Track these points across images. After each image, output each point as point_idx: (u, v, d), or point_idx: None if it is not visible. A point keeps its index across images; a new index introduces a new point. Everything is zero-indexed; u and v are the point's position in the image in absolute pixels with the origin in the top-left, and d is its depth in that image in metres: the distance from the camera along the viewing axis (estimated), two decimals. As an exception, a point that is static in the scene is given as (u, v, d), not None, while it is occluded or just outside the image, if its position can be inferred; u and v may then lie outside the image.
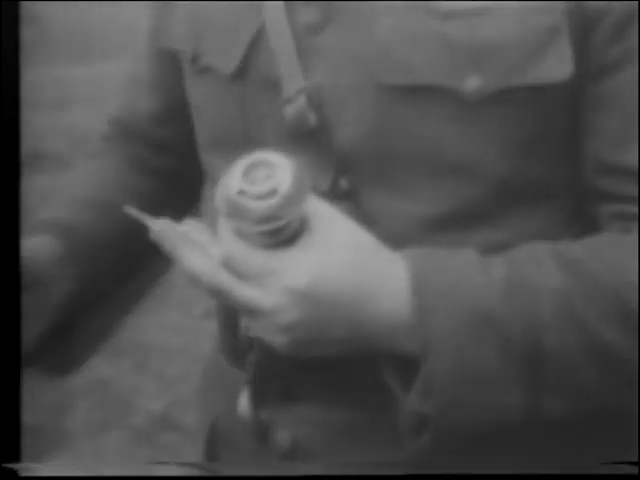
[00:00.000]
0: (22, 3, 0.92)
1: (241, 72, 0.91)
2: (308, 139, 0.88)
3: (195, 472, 0.98)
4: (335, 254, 0.81)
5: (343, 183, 0.88)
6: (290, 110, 0.87)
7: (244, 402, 0.95)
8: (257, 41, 0.90)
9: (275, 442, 0.94)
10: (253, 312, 0.82)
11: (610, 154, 0.85)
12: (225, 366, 1.00)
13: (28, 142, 0.95)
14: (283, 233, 0.80)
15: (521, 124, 0.85)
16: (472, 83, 0.83)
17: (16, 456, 0.88)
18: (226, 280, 0.81)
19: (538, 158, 0.87)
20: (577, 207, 0.89)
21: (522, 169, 0.87)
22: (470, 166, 0.85)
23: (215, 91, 0.93)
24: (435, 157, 0.85)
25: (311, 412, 0.93)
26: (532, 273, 0.82)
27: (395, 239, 0.85)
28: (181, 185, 1.11)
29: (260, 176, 0.79)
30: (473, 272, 0.82)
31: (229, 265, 0.81)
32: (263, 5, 0.89)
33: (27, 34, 0.97)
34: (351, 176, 0.88)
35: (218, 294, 0.82)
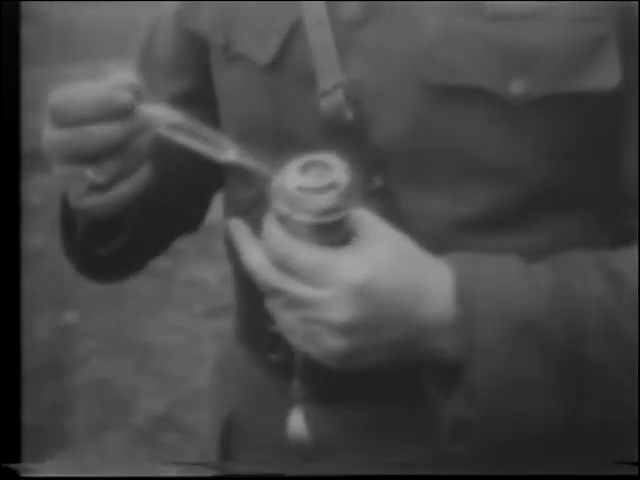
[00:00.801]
0: (22, 3, 0.92)
1: (277, 63, 0.90)
2: (343, 134, 0.87)
3: (195, 472, 0.98)
4: (387, 256, 0.81)
5: (377, 180, 0.87)
6: (326, 104, 0.87)
7: (298, 423, 0.92)
8: (295, 32, 0.89)
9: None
10: (309, 311, 0.81)
11: None
12: (242, 358, 1.00)
13: (28, 142, 0.95)
14: (339, 230, 0.81)
15: (563, 130, 0.85)
16: (517, 87, 0.83)
17: (16, 456, 0.88)
18: (280, 277, 0.81)
19: (577, 165, 0.87)
20: (612, 216, 0.89)
21: (560, 175, 0.86)
22: (508, 169, 0.85)
23: (247, 80, 0.93)
24: (473, 159, 0.85)
25: (337, 410, 0.92)
26: (577, 283, 0.82)
27: (429, 239, 0.84)
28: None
29: (316, 173, 0.81)
30: (518, 279, 0.82)
31: (282, 266, 0.81)
32: None
33: (27, 34, 0.97)
34: (386, 174, 0.87)
35: (273, 291, 0.82)
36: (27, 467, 0.88)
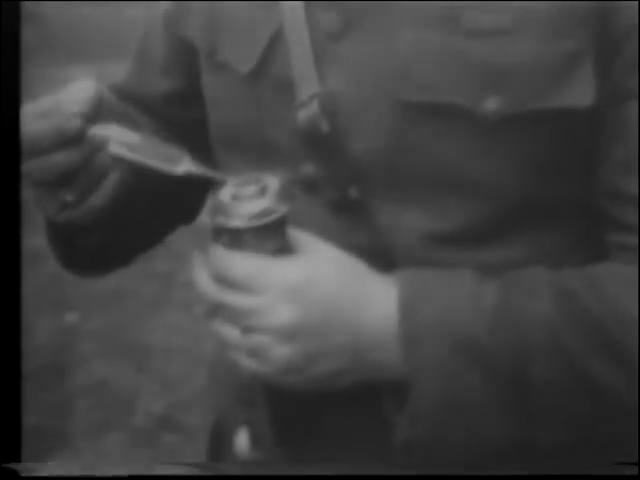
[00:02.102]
0: (22, 3, 0.92)
1: (258, 72, 0.90)
2: (320, 145, 0.87)
3: (195, 472, 0.98)
4: (324, 262, 0.83)
5: (353, 192, 0.88)
6: (302, 114, 0.87)
7: (242, 443, 0.93)
8: (275, 42, 0.89)
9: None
10: (248, 320, 0.82)
11: (620, 182, 0.85)
12: (231, 362, 1.00)
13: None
14: (274, 236, 0.83)
15: (538, 146, 0.85)
16: (491, 104, 0.83)
17: (16, 456, 0.88)
18: (221, 292, 0.83)
19: (553, 180, 0.87)
20: (589, 230, 0.89)
21: (536, 190, 0.86)
22: (484, 185, 0.85)
23: (230, 88, 0.93)
24: (449, 174, 0.85)
25: (307, 420, 0.92)
26: (524, 303, 0.82)
27: (403, 253, 0.86)
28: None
29: (250, 181, 0.84)
30: (463, 299, 0.82)
31: (222, 279, 0.83)
32: (282, 5, 0.88)
33: (27, 34, 0.97)
34: (361, 186, 0.87)
35: (216, 307, 0.84)
36: (27, 467, 0.88)
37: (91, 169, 0.86)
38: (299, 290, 0.81)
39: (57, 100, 0.86)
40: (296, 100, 0.87)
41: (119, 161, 0.86)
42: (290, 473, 0.92)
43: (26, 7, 0.93)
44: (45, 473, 0.91)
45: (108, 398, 2.83)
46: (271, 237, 0.83)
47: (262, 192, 0.83)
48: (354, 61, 0.86)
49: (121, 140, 0.85)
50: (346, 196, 0.87)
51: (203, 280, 0.85)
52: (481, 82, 0.83)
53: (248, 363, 0.84)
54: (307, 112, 0.87)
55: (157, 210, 1.04)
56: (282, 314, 0.81)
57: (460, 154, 0.84)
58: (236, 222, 0.83)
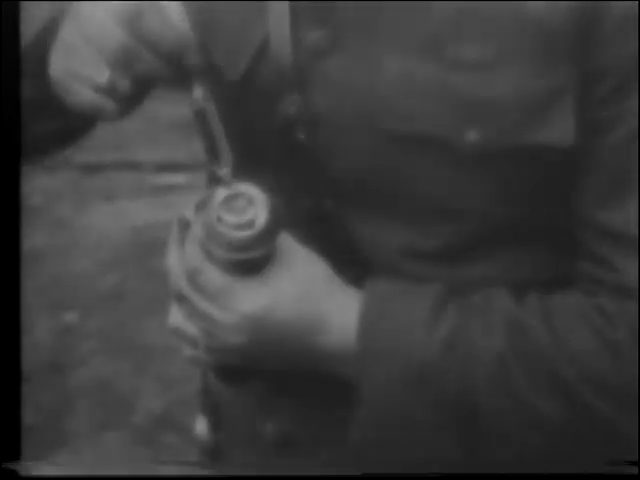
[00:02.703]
0: (22, 3, 0.92)
1: (245, 80, 0.90)
2: (296, 153, 0.88)
3: (195, 472, 0.98)
4: (290, 289, 0.85)
5: (328, 204, 0.89)
6: (279, 120, 0.87)
7: (202, 429, 0.98)
8: (263, 50, 0.89)
9: (265, 433, 0.95)
10: (209, 323, 0.86)
11: (595, 214, 0.86)
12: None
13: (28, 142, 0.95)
14: (249, 263, 0.84)
15: (518, 177, 0.85)
16: (472, 137, 0.83)
17: (16, 456, 0.88)
18: (188, 288, 0.86)
19: (531, 207, 0.88)
20: (566, 250, 0.89)
21: (515, 215, 0.87)
22: (460, 210, 0.86)
23: (221, 90, 0.93)
24: (428, 199, 0.86)
25: (295, 406, 0.94)
26: (476, 334, 0.84)
27: (381, 264, 0.88)
28: None
29: (239, 206, 0.84)
30: (419, 323, 0.84)
31: (191, 278, 0.85)
32: (269, 13, 0.88)
33: (27, 34, 0.97)
34: (338, 198, 0.88)
35: (179, 297, 0.87)
36: (27, 467, 0.88)
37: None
38: (255, 320, 0.85)
39: (82, 35, 0.83)
40: (276, 107, 0.88)
41: (198, 115, 0.84)
42: (290, 473, 0.92)
43: (26, 7, 0.93)
44: (45, 472, 0.91)
45: (108, 398, 2.82)
46: (246, 266, 0.84)
47: (248, 224, 0.83)
48: (337, 81, 0.86)
49: (204, 104, 0.84)
50: (321, 207, 0.89)
51: (176, 267, 0.87)
52: (463, 114, 0.83)
53: (197, 354, 0.89)
54: (284, 117, 0.87)
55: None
56: (237, 336, 0.85)
57: (441, 181, 0.85)
58: (215, 248, 0.84)
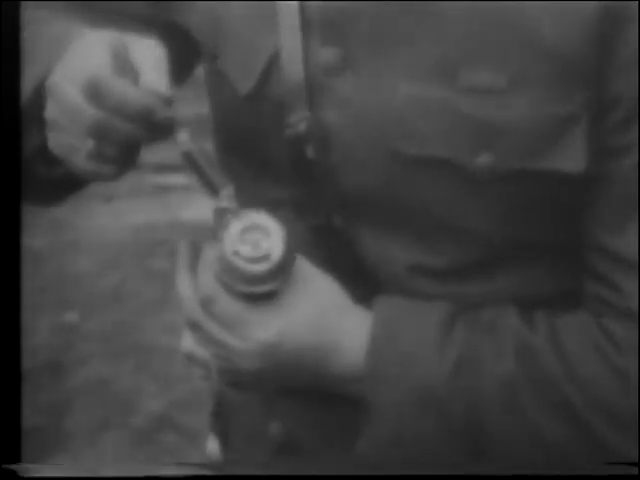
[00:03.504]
0: (22, 3, 0.92)
1: (255, 94, 0.90)
2: (305, 169, 0.88)
3: (195, 472, 0.98)
4: (303, 316, 0.86)
5: (336, 220, 0.89)
6: (289, 135, 0.87)
7: (213, 449, 0.99)
8: (273, 64, 0.89)
9: (269, 434, 0.95)
10: (223, 349, 0.86)
11: (603, 237, 0.86)
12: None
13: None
14: (264, 295, 0.85)
15: (528, 199, 0.86)
16: (483, 161, 0.83)
17: (16, 456, 0.88)
18: (202, 315, 0.86)
19: (539, 228, 0.88)
20: (569, 272, 0.90)
21: (522, 236, 0.88)
22: (472, 229, 0.86)
23: (230, 101, 0.93)
24: (438, 218, 0.86)
25: (300, 408, 0.94)
26: (486, 358, 0.84)
27: (388, 281, 0.88)
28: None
29: (254, 239, 0.84)
30: (428, 346, 0.85)
31: (205, 306, 0.86)
32: (280, 27, 0.88)
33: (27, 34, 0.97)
34: (346, 216, 0.89)
35: (193, 324, 0.87)
36: (27, 467, 0.88)
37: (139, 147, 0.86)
38: (269, 347, 0.85)
39: (132, 61, 0.84)
40: (286, 121, 0.87)
41: (185, 157, 0.84)
42: (290, 473, 0.92)
43: (26, 7, 0.93)
44: (45, 473, 0.91)
45: (108, 398, 2.82)
46: (262, 298, 0.85)
47: (264, 258, 0.83)
48: (349, 100, 0.86)
49: (187, 147, 0.84)
50: (330, 223, 0.89)
51: (189, 295, 0.87)
52: (474, 139, 0.83)
53: (211, 377, 0.91)
54: (294, 132, 0.87)
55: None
56: (252, 363, 0.86)
57: (450, 201, 0.85)
58: (230, 281, 0.84)
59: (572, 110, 0.83)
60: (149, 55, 0.84)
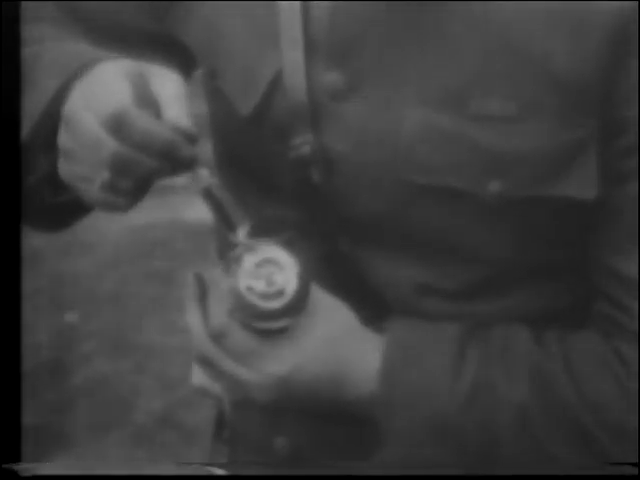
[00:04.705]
0: (22, 3, 0.92)
1: (256, 115, 0.89)
2: (310, 194, 0.87)
3: (195, 472, 0.98)
4: (316, 349, 0.85)
5: (343, 243, 0.88)
6: (292, 157, 0.86)
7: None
8: (275, 85, 0.87)
9: (274, 448, 0.95)
10: (236, 384, 0.86)
11: (610, 259, 0.86)
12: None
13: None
14: (278, 330, 0.84)
15: (538, 224, 0.86)
16: (494, 188, 0.83)
17: (16, 456, 0.88)
18: (213, 350, 0.85)
19: (548, 251, 0.88)
20: (578, 291, 0.90)
21: (531, 259, 0.88)
22: (482, 252, 0.87)
23: (230, 121, 0.92)
24: (447, 242, 0.86)
25: (307, 422, 0.93)
26: (499, 382, 0.84)
27: (397, 302, 0.88)
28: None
29: (268, 272, 0.83)
30: (441, 373, 0.84)
31: (217, 340, 0.85)
32: (282, 48, 0.86)
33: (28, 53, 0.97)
34: (353, 238, 0.88)
35: (203, 359, 0.86)
36: (27, 467, 0.88)
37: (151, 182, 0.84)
38: (283, 380, 0.84)
39: (153, 92, 0.81)
40: (289, 143, 0.87)
41: (205, 193, 0.83)
42: (291, 473, 0.92)
43: (26, 7, 0.93)
44: (45, 473, 0.91)
45: (108, 397, 2.82)
46: (274, 333, 0.84)
47: (278, 294, 0.82)
48: (354, 125, 0.85)
49: (206, 184, 0.82)
50: (336, 245, 0.88)
51: (199, 330, 0.86)
52: (485, 166, 0.83)
53: (227, 409, 0.92)
54: (297, 156, 0.86)
55: None
56: (265, 395, 0.85)
57: (459, 226, 0.85)
58: (244, 318, 0.83)
59: (582, 136, 0.83)
60: (169, 87, 0.81)
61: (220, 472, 0.99)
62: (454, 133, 0.83)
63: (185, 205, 3.62)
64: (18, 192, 0.89)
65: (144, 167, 0.80)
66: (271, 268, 0.83)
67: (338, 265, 0.88)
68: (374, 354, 0.86)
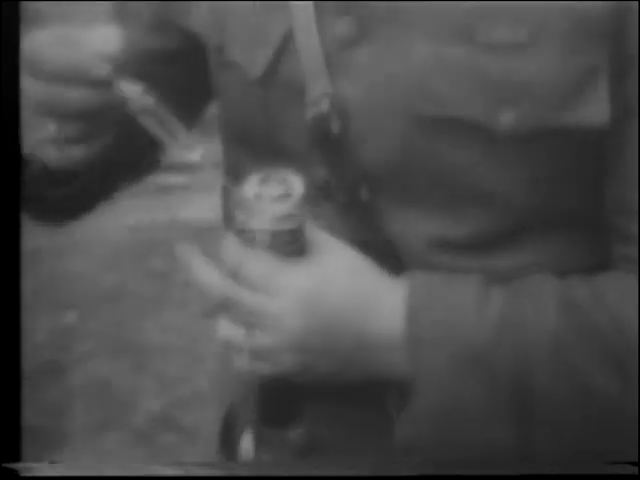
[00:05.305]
0: (22, 3, 0.92)
1: (268, 76, 0.89)
2: (330, 146, 0.87)
3: (195, 472, 0.98)
4: (337, 267, 0.84)
5: (363, 194, 0.88)
6: (312, 113, 0.87)
7: (248, 444, 0.96)
8: (285, 44, 0.88)
9: (290, 438, 0.94)
10: (260, 320, 0.83)
11: (627, 195, 0.86)
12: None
13: (29, 142, 0.95)
14: (293, 240, 0.84)
15: (550, 161, 0.85)
16: (506, 120, 0.83)
17: (16, 456, 0.88)
18: (233, 288, 0.84)
19: (563, 193, 0.87)
20: (598, 237, 0.89)
21: (546, 202, 0.87)
22: (496, 194, 0.86)
23: (240, 89, 0.92)
24: (461, 185, 0.86)
25: (325, 409, 0.92)
26: (529, 314, 0.83)
27: (413, 256, 0.87)
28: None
29: (273, 184, 0.84)
30: (468, 308, 0.83)
31: (237, 273, 0.83)
32: (292, 6, 0.87)
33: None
34: (372, 189, 0.87)
35: (227, 305, 0.84)
36: (27, 467, 0.88)
37: (98, 119, 0.84)
38: (309, 298, 0.83)
39: (78, 35, 0.83)
40: (305, 100, 0.87)
41: (144, 112, 0.84)
42: (291, 474, 0.92)
43: (26, 7, 0.93)
44: (45, 473, 0.91)
45: (107, 397, 2.82)
46: (289, 240, 0.84)
47: (286, 195, 0.83)
48: (367, 69, 0.86)
49: (141, 103, 0.83)
50: (356, 199, 0.88)
51: (208, 275, 0.85)
52: (497, 97, 0.82)
53: (250, 364, 0.85)
54: (317, 111, 0.86)
55: (125, 166, 1.04)
56: (292, 320, 0.83)
57: (474, 165, 0.85)
58: (257, 224, 0.84)
59: (593, 62, 0.82)
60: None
61: (218, 472, 0.99)
62: (463, 64, 0.82)
63: (185, 205, 3.62)
64: (18, 192, 0.89)
65: (70, 101, 0.81)
66: (276, 179, 0.85)
67: (357, 219, 0.88)
68: (396, 295, 0.84)
